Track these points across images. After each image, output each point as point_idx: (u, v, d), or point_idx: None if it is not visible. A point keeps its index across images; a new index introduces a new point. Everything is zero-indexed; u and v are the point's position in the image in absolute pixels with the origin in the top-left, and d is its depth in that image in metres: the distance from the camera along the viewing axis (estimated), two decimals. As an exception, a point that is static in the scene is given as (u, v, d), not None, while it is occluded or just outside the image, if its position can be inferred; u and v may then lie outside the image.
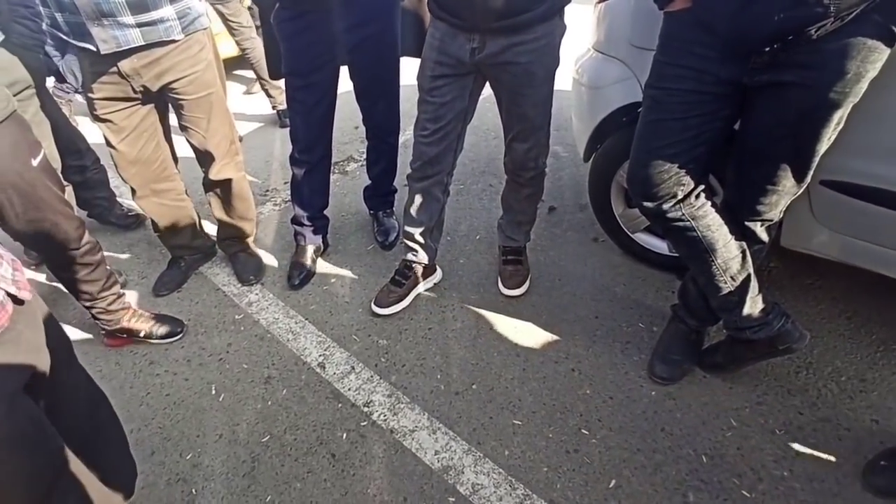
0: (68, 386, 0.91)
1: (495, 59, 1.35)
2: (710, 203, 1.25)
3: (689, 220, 1.23)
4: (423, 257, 1.77)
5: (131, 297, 1.79)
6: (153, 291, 1.93)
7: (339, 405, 1.49)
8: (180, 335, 1.74)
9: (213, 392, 1.55)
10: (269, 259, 2.07)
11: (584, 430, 1.38)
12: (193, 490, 1.31)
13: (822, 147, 1.11)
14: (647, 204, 1.26)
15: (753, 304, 1.30)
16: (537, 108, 1.45)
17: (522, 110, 1.45)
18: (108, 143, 1.62)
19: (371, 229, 2.19)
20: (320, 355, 1.64)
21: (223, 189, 1.84)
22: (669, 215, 1.24)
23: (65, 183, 1.82)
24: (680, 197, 1.22)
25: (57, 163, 1.83)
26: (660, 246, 1.82)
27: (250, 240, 2.02)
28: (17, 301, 0.79)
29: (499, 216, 1.87)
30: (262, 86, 3.23)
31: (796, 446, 1.31)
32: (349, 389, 1.53)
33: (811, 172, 1.15)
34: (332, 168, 2.00)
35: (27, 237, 1.39)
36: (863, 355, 1.52)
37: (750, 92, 1.11)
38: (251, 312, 1.83)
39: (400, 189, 2.17)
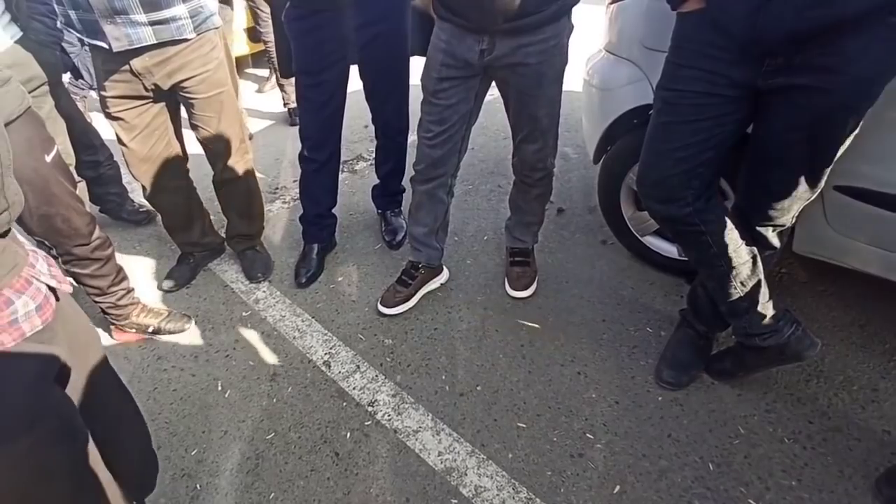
0: (98, 381, 0.92)
1: (505, 60, 1.34)
2: (720, 207, 1.24)
3: (699, 224, 1.21)
4: (429, 258, 1.77)
5: (140, 292, 1.81)
6: (162, 287, 1.95)
7: (344, 404, 1.49)
8: (188, 331, 1.75)
9: (220, 388, 1.56)
10: (277, 257, 2.08)
11: (588, 435, 1.37)
12: (198, 485, 1.32)
13: (837, 152, 1.09)
14: (657, 207, 1.24)
15: (764, 311, 1.28)
16: (547, 108, 1.44)
17: (532, 111, 1.44)
18: (120, 141, 1.64)
19: (379, 228, 2.19)
20: (326, 354, 1.65)
21: (232, 187, 1.85)
22: (679, 219, 1.22)
23: (77, 179, 1.84)
24: (690, 200, 1.20)
25: (71, 158, 1.85)
26: (669, 249, 1.80)
27: (259, 237, 2.04)
28: (56, 296, 0.79)
29: (507, 217, 1.87)
30: (278, 80, 3.26)
31: (805, 456, 1.29)
32: (354, 388, 1.53)
33: (825, 178, 1.13)
34: (341, 167, 2.01)
35: (39, 232, 1.41)
36: (875, 364, 1.49)
37: (764, 95, 1.09)
38: (258, 310, 1.84)
39: (408, 189, 2.17)
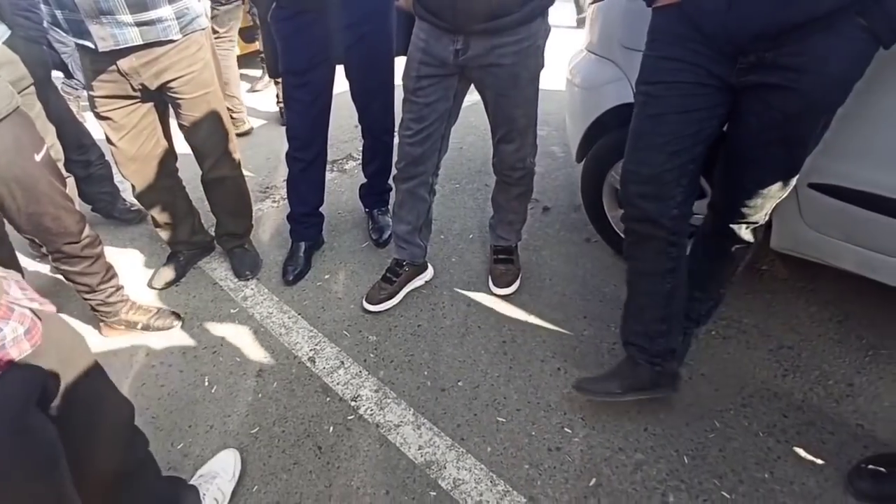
0: (88, 386, 0.90)
1: (479, 60, 1.37)
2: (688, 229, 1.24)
3: (675, 234, 1.19)
4: (412, 256, 1.79)
5: (130, 290, 1.83)
6: (152, 285, 1.97)
7: (328, 399, 1.51)
8: (176, 328, 1.78)
9: (206, 384, 1.59)
10: (265, 255, 2.10)
11: (566, 429, 1.39)
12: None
13: (808, 151, 1.11)
14: (645, 205, 1.18)
15: (674, 341, 1.34)
16: (522, 109, 1.46)
17: (508, 112, 1.46)
18: (109, 140, 1.66)
19: (366, 227, 2.21)
20: (311, 350, 1.67)
21: (221, 186, 1.88)
22: (660, 222, 1.18)
23: (66, 174, 1.86)
24: (679, 200, 1.16)
25: (60, 155, 1.88)
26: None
27: (248, 236, 2.06)
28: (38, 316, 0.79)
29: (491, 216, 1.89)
30: (274, 80, 3.30)
31: (779, 449, 1.31)
32: (338, 384, 1.55)
33: (797, 176, 1.15)
34: (330, 166, 2.03)
35: (28, 230, 1.44)
36: (851, 360, 1.51)
37: (738, 93, 1.10)
38: (246, 307, 1.86)
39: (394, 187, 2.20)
